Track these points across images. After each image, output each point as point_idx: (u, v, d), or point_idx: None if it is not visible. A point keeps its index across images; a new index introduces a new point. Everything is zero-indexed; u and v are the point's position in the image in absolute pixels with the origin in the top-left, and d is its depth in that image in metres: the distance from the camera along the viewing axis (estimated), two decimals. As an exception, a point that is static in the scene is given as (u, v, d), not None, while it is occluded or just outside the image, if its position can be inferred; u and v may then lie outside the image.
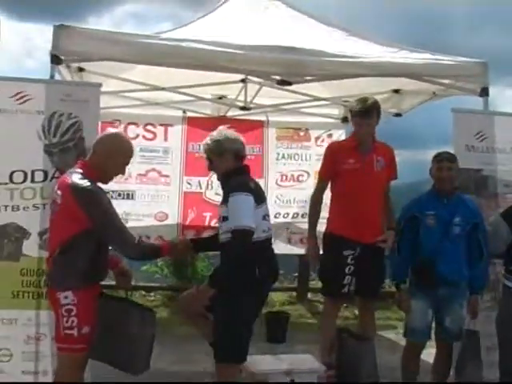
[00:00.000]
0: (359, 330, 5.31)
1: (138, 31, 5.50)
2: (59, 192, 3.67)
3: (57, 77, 4.90)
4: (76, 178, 3.63)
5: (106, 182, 3.83)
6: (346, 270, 5.08)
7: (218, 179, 4.42)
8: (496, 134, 5.44)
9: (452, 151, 5.13)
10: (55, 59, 4.72)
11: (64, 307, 3.62)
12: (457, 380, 4.88)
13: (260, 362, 4.77)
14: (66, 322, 3.62)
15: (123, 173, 3.95)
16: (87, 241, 3.63)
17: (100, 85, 4.82)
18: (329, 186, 5.38)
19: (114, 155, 3.76)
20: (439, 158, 4.77)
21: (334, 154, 5.26)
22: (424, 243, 4.72)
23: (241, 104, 7.11)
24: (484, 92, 5.52)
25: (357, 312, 7.74)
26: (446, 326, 4.77)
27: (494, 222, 4.95)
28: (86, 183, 3.60)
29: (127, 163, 3.87)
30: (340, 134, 8.29)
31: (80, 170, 3.71)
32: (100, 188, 3.72)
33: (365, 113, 5.09)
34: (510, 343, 4.77)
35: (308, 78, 5.39)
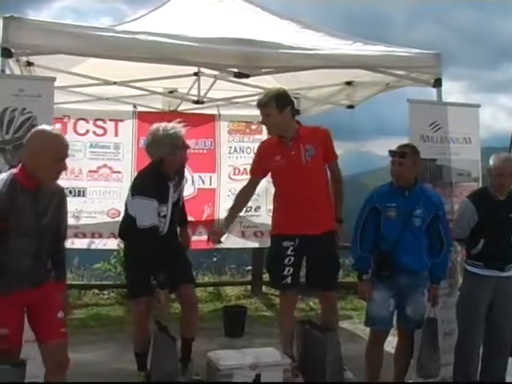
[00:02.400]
0: (322, 321, 5.33)
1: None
2: None
3: (7, 71, 4.74)
4: None
5: (42, 182, 3.66)
6: (286, 261, 5.12)
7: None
8: (449, 124, 5.52)
9: (407, 141, 5.19)
10: (5, 52, 4.54)
11: None
12: (418, 368, 4.94)
13: (223, 357, 4.74)
14: None
15: (61, 170, 3.71)
16: None
17: (54, 79, 4.70)
18: None
19: (39, 154, 3.58)
20: (392, 153, 4.80)
21: (261, 152, 5.36)
22: (385, 235, 4.75)
23: (194, 98, 7.03)
24: (437, 83, 5.58)
25: (312, 304, 7.83)
26: (407, 315, 4.81)
27: (463, 205, 5.06)
28: None
29: (60, 160, 3.65)
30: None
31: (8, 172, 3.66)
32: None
33: (259, 105, 5.17)
34: (471, 326, 4.90)
35: (265, 70, 5.37)
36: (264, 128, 8.21)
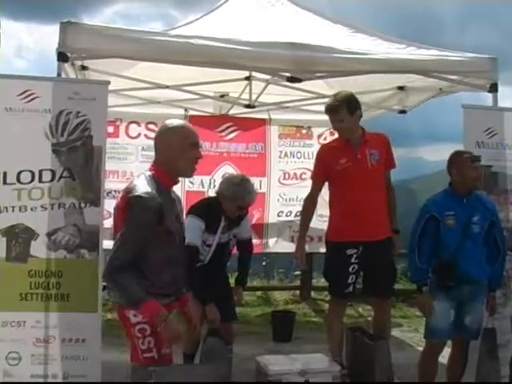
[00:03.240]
0: (374, 329, 5.27)
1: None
2: None
3: (62, 75, 4.82)
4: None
5: (182, 175, 3.58)
6: (350, 269, 5.07)
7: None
8: (505, 130, 5.41)
9: (462, 148, 5.12)
10: (62, 56, 4.62)
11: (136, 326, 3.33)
12: (477, 380, 4.84)
13: (272, 362, 4.68)
14: (142, 343, 3.32)
15: (197, 156, 3.48)
16: None
17: (108, 82, 4.74)
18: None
19: (172, 143, 3.42)
20: (473, 158, 4.74)
21: (324, 156, 5.25)
22: (445, 243, 4.67)
23: (245, 102, 7.05)
24: (493, 88, 5.49)
25: (361, 310, 7.76)
26: (465, 325, 4.74)
27: None
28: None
29: (193, 145, 3.46)
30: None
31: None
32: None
33: (331, 110, 5.12)
34: None
35: (318, 74, 5.34)
36: (314, 132, 8.25)
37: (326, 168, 5.17)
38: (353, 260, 5.06)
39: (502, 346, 5.13)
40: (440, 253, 4.69)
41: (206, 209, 5.05)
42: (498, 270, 4.84)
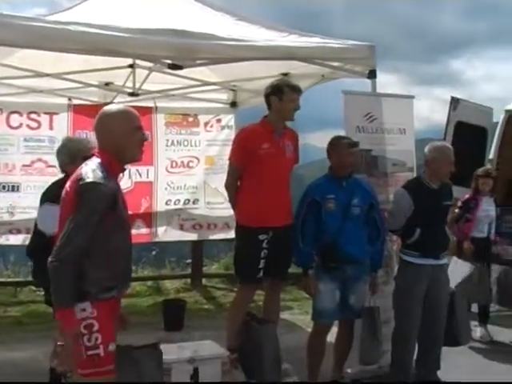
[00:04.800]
0: (265, 312, 5.33)
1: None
2: None
3: None
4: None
5: (129, 160, 3.36)
6: (262, 255, 5.07)
7: None
8: (384, 115, 5.58)
9: (343, 133, 5.24)
10: None
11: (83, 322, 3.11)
12: (360, 356, 5.01)
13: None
14: (88, 340, 3.11)
15: (142, 139, 3.36)
16: None
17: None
18: None
19: (114, 128, 3.24)
20: (351, 144, 4.85)
21: (247, 139, 5.18)
22: (326, 226, 4.78)
23: (129, 90, 6.93)
24: (372, 74, 5.64)
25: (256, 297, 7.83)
26: (350, 305, 4.88)
27: (398, 195, 5.10)
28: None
29: (137, 129, 3.30)
30: (229, 119, 8.31)
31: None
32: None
33: (299, 90, 5.14)
34: (407, 315, 4.98)
35: (199, 61, 5.29)
36: (201, 119, 8.25)
37: (248, 151, 5.09)
38: (264, 245, 5.07)
39: (385, 323, 5.33)
40: (322, 235, 4.80)
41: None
42: (378, 250, 5.02)
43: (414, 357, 5.15)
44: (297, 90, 5.10)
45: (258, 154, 5.01)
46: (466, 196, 6.98)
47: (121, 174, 3.44)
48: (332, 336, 5.14)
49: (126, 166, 3.38)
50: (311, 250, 4.83)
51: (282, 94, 5.04)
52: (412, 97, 5.95)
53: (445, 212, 5.14)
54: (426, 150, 5.04)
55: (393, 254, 5.49)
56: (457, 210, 6.89)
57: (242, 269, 5.27)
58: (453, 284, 5.37)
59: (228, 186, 5.33)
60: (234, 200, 5.29)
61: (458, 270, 6.08)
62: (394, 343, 5.10)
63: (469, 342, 5.61)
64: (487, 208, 6.99)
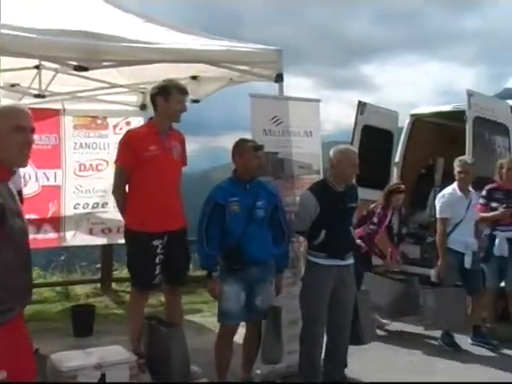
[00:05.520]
0: (167, 316, 5.32)
1: None
2: None
3: None
4: None
5: (12, 165, 2.95)
6: (157, 260, 5.06)
7: None
8: (290, 118, 5.65)
9: (250, 136, 5.29)
10: None
11: None
12: (262, 356, 5.06)
13: (68, 358, 4.60)
14: None
15: (25, 142, 2.83)
16: None
17: None
18: None
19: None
20: (256, 147, 4.90)
21: (133, 142, 5.15)
22: (231, 229, 4.81)
23: (35, 92, 6.77)
24: (279, 78, 5.70)
25: (163, 299, 7.79)
26: (256, 305, 4.93)
27: (304, 198, 5.17)
28: None
29: (19, 129, 2.83)
30: (138, 122, 8.22)
31: None
32: None
33: (187, 91, 5.17)
34: (314, 315, 5.07)
35: (105, 63, 5.23)
36: (110, 122, 8.15)
37: (134, 154, 5.05)
38: (159, 250, 5.06)
39: (293, 323, 5.42)
40: (227, 238, 4.82)
41: None
42: (283, 251, 5.09)
43: (322, 355, 5.24)
44: (184, 92, 5.15)
45: (145, 157, 5.00)
46: (374, 208, 7.18)
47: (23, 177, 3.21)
48: (241, 337, 5.19)
49: (24, 169, 3.11)
50: (216, 253, 4.84)
51: (168, 95, 5.06)
52: (318, 100, 6.04)
53: (350, 214, 5.25)
54: (331, 152, 5.14)
55: (300, 256, 5.57)
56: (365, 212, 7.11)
57: (137, 275, 5.23)
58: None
59: (115, 191, 5.29)
60: (122, 205, 5.24)
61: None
62: (301, 343, 5.17)
63: (372, 341, 5.74)
64: (394, 221, 7.30)
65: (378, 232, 7.13)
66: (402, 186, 7.28)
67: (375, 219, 7.11)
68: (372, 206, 7.21)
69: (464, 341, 6.82)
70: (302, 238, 5.46)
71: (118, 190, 5.26)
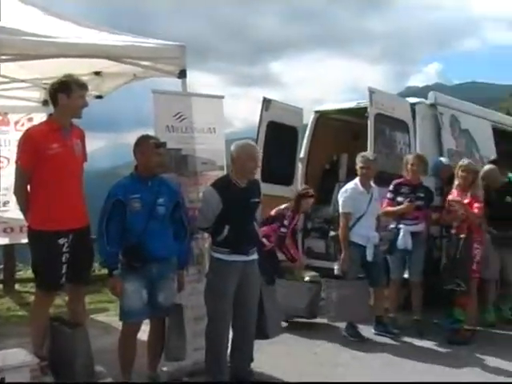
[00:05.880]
0: (70, 316, 5.22)
1: None
2: None
3: None
4: None
5: None
6: (63, 259, 4.93)
7: None
8: (194, 114, 5.65)
9: (153, 132, 5.25)
10: None
11: None
12: (166, 353, 5.05)
13: (-35, 363, 4.44)
14: None
15: None
16: None
17: None
18: None
19: None
20: (158, 144, 4.89)
21: (35, 139, 4.96)
22: (131, 226, 4.77)
23: None
24: (182, 74, 5.68)
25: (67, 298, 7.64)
26: (159, 302, 4.90)
27: (206, 194, 5.17)
28: None
29: None
30: (41, 118, 7.98)
31: None
32: None
33: (85, 85, 5.06)
34: (219, 311, 5.09)
35: (4, 57, 5.06)
36: (11, 118, 7.91)
37: (36, 152, 4.88)
38: (64, 249, 4.92)
39: (198, 319, 5.44)
40: (127, 235, 4.78)
41: None
42: (184, 248, 5.10)
43: (228, 351, 5.27)
44: (84, 87, 5.05)
45: (47, 155, 4.86)
46: (284, 210, 7.30)
47: None
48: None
49: None
50: (117, 250, 4.78)
51: (70, 90, 4.94)
52: (221, 97, 6.04)
53: (253, 209, 5.29)
54: (232, 148, 5.17)
55: (204, 252, 5.57)
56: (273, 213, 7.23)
57: (44, 275, 5.06)
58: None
59: (17, 191, 5.10)
60: (24, 204, 5.08)
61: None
62: (207, 339, 5.19)
63: (278, 335, 5.82)
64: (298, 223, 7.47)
65: (288, 235, 7.27)
66: (311, 191, 7.43)
67: (286, 222, 7.24)
68: (282, 207, 7.32)
69: (368, 331, 7.04)
70: (206, 235, 5.46)
71: (19, 190, 5.08)
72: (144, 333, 5.14)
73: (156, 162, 4.83)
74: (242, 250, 5.12)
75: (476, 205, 6.83)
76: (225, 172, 5.74)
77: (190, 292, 5.30)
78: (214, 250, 5.16)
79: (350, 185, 7.03)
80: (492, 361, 6.18)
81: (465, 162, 7.13)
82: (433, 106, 8.56)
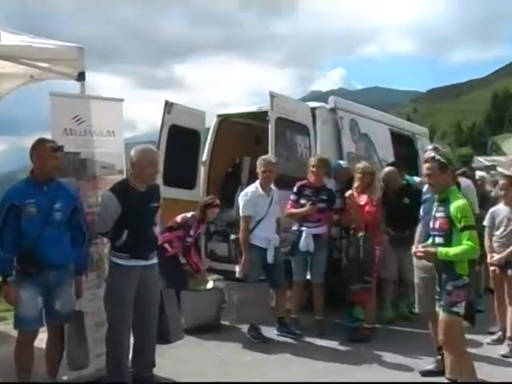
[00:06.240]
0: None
1: None
2: None
3: None
4: None
5: None
6: None
7: None
8: (92, 117, 5.55)
9: (50, 136, 5.13)
10: None
11: None
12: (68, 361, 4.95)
13: None
14: None
15: None
16: None
17: None
18: None
19: None
20: (55, 148, 4.76)
21: None
22: (27, 231, 4.64)
23: None
24: (81, 76, 5.56)
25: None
26: (56, 310, 4.79)
27: (105, 198, 5.09)
28: None
29: None
30: None
31: None
32: None
33: None
34: (119, 316, 5.03)
35: None
36: None
37: None
38: None
39: (99, 325, 5.35)
40: (22, 241, 4.64)
41: None
42: (82, 254, 5.02)
43: (130, 356, 5.22)
44: None
45: None
46: (189, 219, 7.32)
47: None
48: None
49: None
50: (11, 257, 4.64)
51: None
52: (121, 100, 5.94)
53: (152, 214, 5.23)
54: (132, 153, 5.11)
55: (104, 257, 5.47)
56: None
57: None
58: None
59: None
60: None
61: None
62: (108, 345, 5.12)
63: (180, 339, 5.81)
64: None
65: (192, 243, 7.30)
66: (217, 200, 7.47)
67: (192, 232, 7.25)
68: (188, 216, 7.31)
69: (271, 332, 7.10)
70: (105, 240, 5.38)
71: None
72: (41, 341, 5.01)
73: (52, 166, 4.73)
74: (142, 254, 5.08)
75: (368, 208, 7.02)
76: (124, 176, 5.67)
77: (89, 298, 5.21)
78: (113, 254, 5.09)
79: (250, 188, 7.08)
80: (389, 356, 6.39)
81: (361, 164, 7.31)
82: (333, 110, 8.70)
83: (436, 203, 4.97)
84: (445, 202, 4.85)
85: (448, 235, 4.78)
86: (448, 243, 4.76)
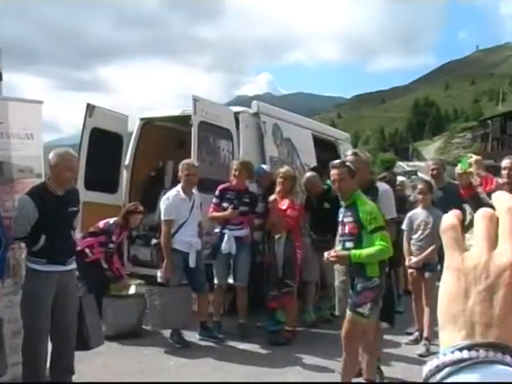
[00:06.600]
0: None
1: None
2: None
3: None
4: None
5: None
6: None
7: None
8: (10, 119, 5.42)
9: None
10: None
11: None
12: None
13: None
14: None
15: None
16: None
17: None
18: None
19: None
20: None
21: None
22: None
23: None
24: (-2, 77, 5.45)
25: None
26: None
27: (21, 202, 4.97)
28: None
29: None
30: None
31: None
32: None
33: None
34: (35, 323, 4.91)
35: None
36: None
37: None
38: None
39: (16, 333, 5.21)
40: None
41: None
42: None
43: (48, 364, 5.11)
44: None
45: None
46: (111, 225, 7.24)
47: None
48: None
49: None
50: None
51: None
52: (40, 102, 5.84)
53: (71, 218, 5.15)
54: (50, 156, 5.02)
55: (21, 263, 5.34)
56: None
57: None
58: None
59: None
60: None
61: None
62: (24, 353, 4.99)
63: (100, 345, 5.72)
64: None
65: (114, 250, 7.22)
66: (140, 207, 7.40)
67: (114, 238, 7.16)
68: (111, 222, 7.22)
69: (193, 336, 7.09)
70: (23, 244, 5.26)
71: None
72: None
73: None
74: (59, 259, 4.99)
75: (289, 212, 7.09)
76: (43, 179, 5.56)
77: (6, 305, 5.07)
78: (30, 260, 4.98)
79: (172, 192, 7.06)
80: (309, 358, 6.48)
81: (283, 169, 7.40)
82: (256, 114, 8.77)
83: (343, 209, 5.06)
84: (352, 206, 4.94)
85: (358, 239, 4.89)
86: (358, 247, 4.87)
